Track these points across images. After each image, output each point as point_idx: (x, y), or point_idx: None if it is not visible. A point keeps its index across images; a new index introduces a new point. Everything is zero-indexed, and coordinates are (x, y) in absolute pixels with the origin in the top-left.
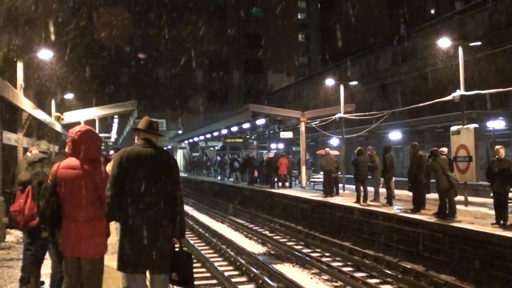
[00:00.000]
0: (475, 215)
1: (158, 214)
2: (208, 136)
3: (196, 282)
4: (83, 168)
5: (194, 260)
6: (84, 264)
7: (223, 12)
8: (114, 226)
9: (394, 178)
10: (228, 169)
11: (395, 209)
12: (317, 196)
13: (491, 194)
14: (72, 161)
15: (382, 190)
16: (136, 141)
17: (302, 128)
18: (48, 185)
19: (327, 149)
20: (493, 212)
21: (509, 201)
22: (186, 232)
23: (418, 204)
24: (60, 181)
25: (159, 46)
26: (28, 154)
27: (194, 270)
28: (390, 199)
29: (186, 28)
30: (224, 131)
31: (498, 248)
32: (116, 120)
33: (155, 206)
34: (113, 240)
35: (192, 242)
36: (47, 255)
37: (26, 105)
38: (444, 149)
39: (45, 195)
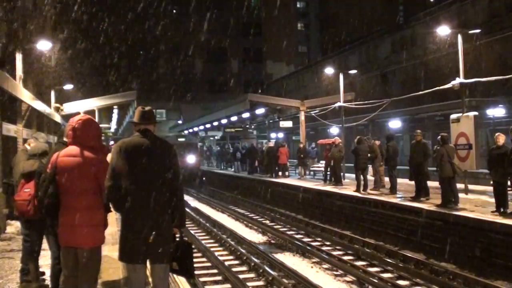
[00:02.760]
0: (476, 203)
1: (157, 204)
2: (208, 126)
3: (196, 272)
4: (83, 156)
5: (195, 250)
6: (81, 254)
7: (223, 1)
8: (114, 217)
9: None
10: (231, 159)
11: (398, 197)
12: (317, 185)
13: (491, 182)
14: (72, 149)
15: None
16: (134, 131)
17: (302, 117)
18: (47, 174)
19: (336, 138)
20: (493, 200)
21: (509, 189)
22: (187, 222)
23: (420, 192)
24: (60, 169)
25: (158, 35)
26: (26, 146)
27: (195, 259)
28: (393, 187)
29: (185, 17)
30: (224, 121)
31: (499, 236)
32: (116, 111)
33: (154, 196)
34: (113, 230)
35: (192, 231)
36: (46, 246)
37: (26, 96)
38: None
39: (43, 185)
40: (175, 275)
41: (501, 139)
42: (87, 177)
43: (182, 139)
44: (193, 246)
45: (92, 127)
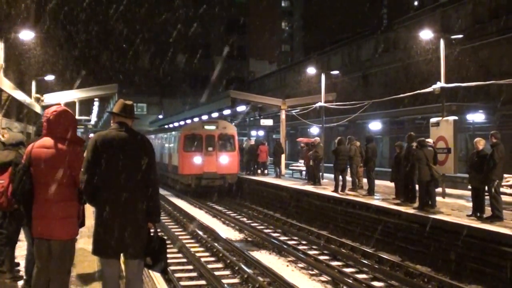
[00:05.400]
0: (452, 206)
1: (132, 198)
2: (188, 121)
3: (172, 268)
4: (57, 148)
5: (171, 245)
6: (54, 246)
7: None
8: (91, 210)
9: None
10: None
11: (375, 199)
12: (296, 184)
13: (469, 187)
14: (47, 140)
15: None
16: (111, 124)
17: (283, 116)
18: (21, 165)
19: (317, 138)
20: (470, 204)
21: (485, 193)
22: (163, 217)
23: (410, 195)
24: (34, 161)
25: (140, 29)
26: (0, 136)
27: (171, 255)
28: (371, 189)
29: (169, 11)
30: (205, 117)
31: (474, 240)
32: (96, 103)
33: (129, 190)
34: (90, 223)
35: (169, 227)
36: (22, 237)
37: (6, 85)
38: (430, 140)
39: (17, 176)
40: (150, 270)
41: (479, 144)
42: (61, 168)
43: (211, 127)
44: (167, 242)
45: (67, 118)
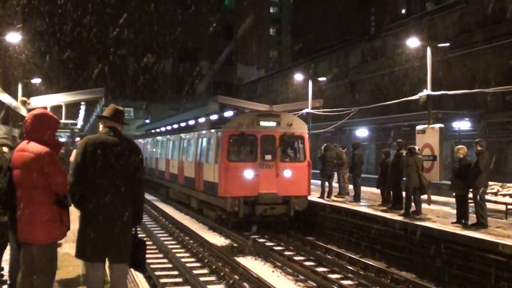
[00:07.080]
0: (437, 213)
1: (119, 203)
2: (175, 126)
3: (157, 273)
4: (32, 151)
5: (156, 251)
6: (35, 250)
7: (195, 2)
8: (76, 214)
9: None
10: None
11: (361, 205)
12: None
13: (454, 194)
14: (23, 144)
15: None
16: (101, 128)
17: None
18: (5, 168)
19: None
20: (455, 211)
21: (469, 201)
22: (150, 223)
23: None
24: (13, 164)
25: (128, 33)
26: None
27: (156, 260)
28: (357, 195)
29: (156, 16)
30: (192, 122)
31: (459, 247)
32: (83, 107)
33: (117, 195)
34: (75, 227)
35: (155, 232)
36: None
37: None
38: (416, 147)
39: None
40: (134, 275)
41: (460, 152)
42: (36, 172)
43: (271, 124)
44: (147, 243)
45: (44, 122)
